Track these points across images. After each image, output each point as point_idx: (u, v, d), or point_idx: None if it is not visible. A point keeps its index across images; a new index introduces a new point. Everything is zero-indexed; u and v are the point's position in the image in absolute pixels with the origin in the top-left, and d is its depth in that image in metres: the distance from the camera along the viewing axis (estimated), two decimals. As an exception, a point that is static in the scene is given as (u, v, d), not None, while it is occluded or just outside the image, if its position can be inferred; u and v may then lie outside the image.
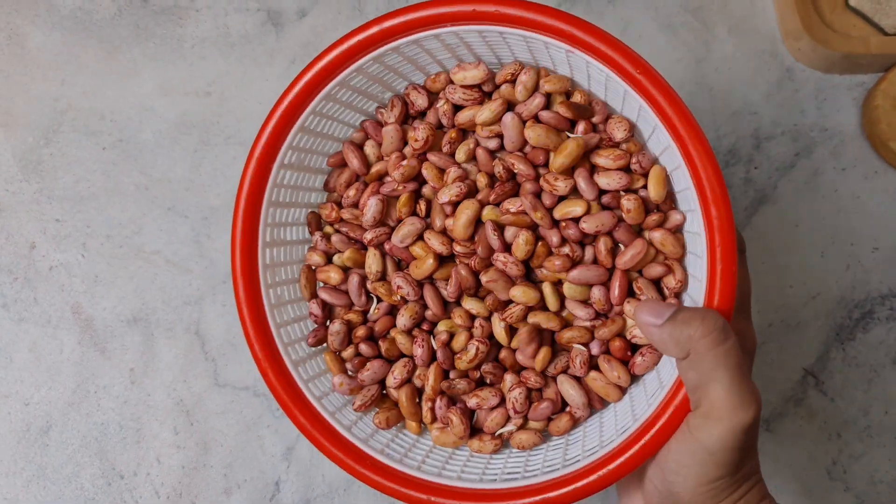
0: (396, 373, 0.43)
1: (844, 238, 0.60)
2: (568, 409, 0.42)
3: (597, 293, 0.41)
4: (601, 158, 0.41)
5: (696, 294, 0.37)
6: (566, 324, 0.42)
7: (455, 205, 0.43)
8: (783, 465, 0.55)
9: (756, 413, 0.32)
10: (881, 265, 0.59)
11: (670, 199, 0.41)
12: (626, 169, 0.41)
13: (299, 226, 0.46)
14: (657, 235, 0.40)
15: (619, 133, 0.41)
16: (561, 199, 0.41)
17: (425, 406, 0.43)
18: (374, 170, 0.45)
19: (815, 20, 0.62)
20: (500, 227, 0.42)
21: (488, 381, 0.43)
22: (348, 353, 0.44)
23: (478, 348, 0.42)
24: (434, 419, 0.43)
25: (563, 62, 0.41)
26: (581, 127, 0.42)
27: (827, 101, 0.64)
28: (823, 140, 0.62)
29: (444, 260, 0.43)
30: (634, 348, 0.41)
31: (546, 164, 0.42)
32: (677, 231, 0.41)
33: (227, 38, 0.63)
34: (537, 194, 0.41)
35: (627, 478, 0.38)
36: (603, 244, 0.41)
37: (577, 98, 0.43)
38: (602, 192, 0.41)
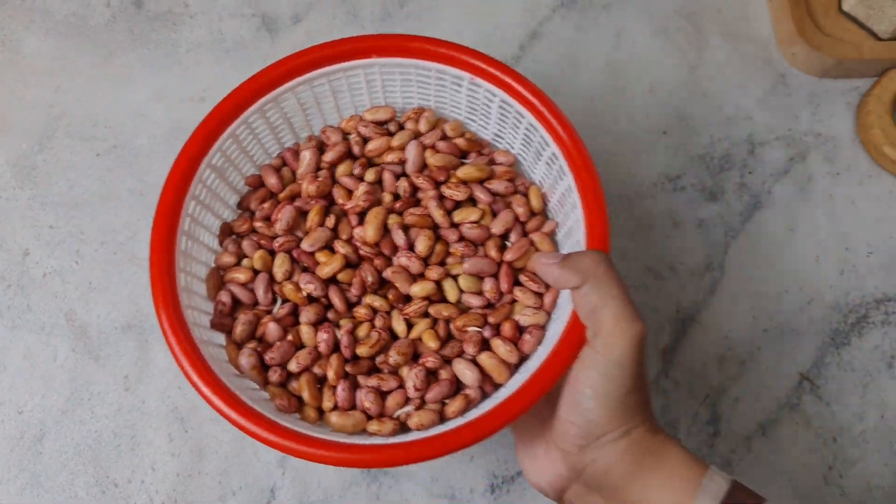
0: (301, 358, 0.45)
1: (839, 243, 0.60)
2: (463, 390, 0.45)
3: (488, 284, 0.47)
4: (493, 177, 0.50)
5: None
6: (463, 313, 0.47)
7: (362, 216, 0.48)
8: (779, 470, 0.55)
9: (644, 328, 0.37)
10: (876, 270, 0.59)
11: (545, 214, 0.50)
12: (511, 181, 0.50)
13: (212, 234, 0.48)
14: (536, 237, 0.48)
15: (502, 158, 0.51)
16: (458, 205, 0.49)
17: (327, 392, 0.45)
18: (288, 189, 0.49)
19: (809, 25, 0.62)
20: (404, 229, 0.47)
21: (387, 370, 0.46)
22: (251, 345, 0.45)
23: (380, 334, 0.45)
24: (335, 405, 0.44)
25: (458, 104, 0.51)
26: (472, 155, 0.51)
27: (821, 106, 0.64)
28: (817, 145, 0.63)
29: (348, 267, 0.47)
30: (521, 330, 0.46)
31: (445, 182, 0.49)
32: (552, 235, 0.49)
33: (221, 43, 0.63)
34: (439, 198, 0.48)
35: (530, 447, 0.42)
36: (493, 242, 0.48)
37: (468, 136, 0.51)
38: (494, 196, 0.49)
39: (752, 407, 0.56)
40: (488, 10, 0.65)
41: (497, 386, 0.45)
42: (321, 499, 0.53)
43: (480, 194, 0.48)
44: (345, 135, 0.52)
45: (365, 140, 0.51)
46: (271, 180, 0.49)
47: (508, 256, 0.47)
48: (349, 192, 0.49)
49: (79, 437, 0.53)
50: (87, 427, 0.54)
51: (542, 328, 0.46)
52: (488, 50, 0.63)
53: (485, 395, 0.45)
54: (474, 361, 0.45)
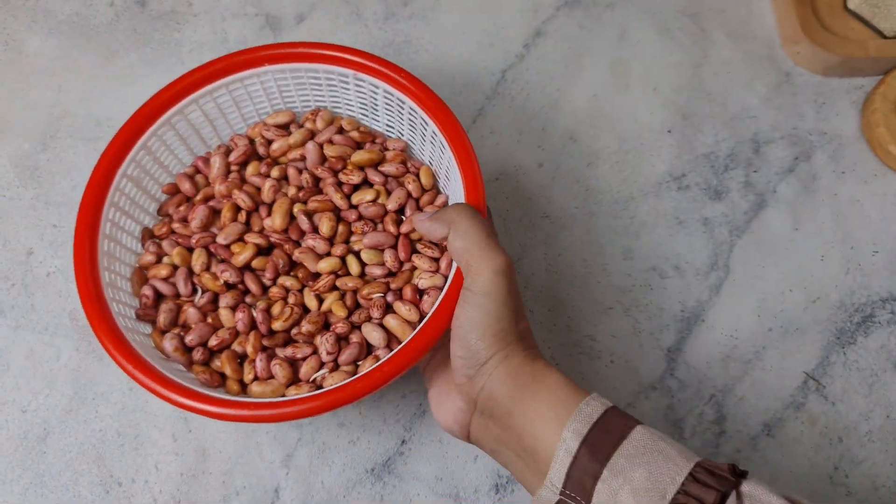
0: (220, 333, 0.49)
1: (844, 241, 0.60)
2: (373, 351, 0.50)
3: (388, 255, 0.52)
4: (384, 161, 0.55)
5: None
6: (367, 283, 0.51)
7: (271, 209, 0.53)
8: (784, 470, 0.55)
9: (508, 259, 0.41)
10: (881, 269, 0.59)
11: (436, 189, 0.55)
12: (403, 163, 0.54)
13: (134, 239, 0.52)
14: (429, 209, 0.53)
15: (393, 144, 0.56)
16: (355, 189, 0.54)
17: (248, 367, 0.48)
18: (202, 192, 0.54)
19: (814, 24, 0.62)
20: (309, 215, 0.52)
21: (302, 341, 0.50)
22: (174, 330, 0.49)
23: (293, 309, 0.50)
24: (255, 377, 0.48)
25: (350, 101, 0.56)
26: (367, 145, 0.56)
27: (826, 105, 0.64)
28: (822, 144, 0.62)
29: (261, 254, 0.52)
30: (421, 294, 0.51)
31: (343, 170, 0.54)
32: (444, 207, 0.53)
33: (224, 43, 0.62)
34: (338, 185, 0.53)
35: (438, 396, 0.45)
36: (389, 217, 0.53)
37: (362, 129, 0.56)
38: (386, 177, 0.54)
39: (758, 407, 0.56)
40: (492, 8, 0.64)
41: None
42: (325, 499, 0.53)
43: (374, 176, 0.54)
44: (251, 140, 0.56)
45: (269, 142, 0.56)
46: (185, 185, 0.54)
47: (404, 228, 0.52)
48: (258, 190, 0.54)
49: (83, 437, 0.53)
50: (90, 427, 0.53)
51: (440, 289, 0.51)
52: (492, 49, 0.63)
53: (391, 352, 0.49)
54: (381, 325, 0.50)
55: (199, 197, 0.53)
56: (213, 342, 0.48)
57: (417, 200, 0.54)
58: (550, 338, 0.57)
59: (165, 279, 0.51)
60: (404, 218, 0.53)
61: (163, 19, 0.62)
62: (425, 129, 0.52)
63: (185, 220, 0.53)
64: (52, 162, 0.58)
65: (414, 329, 0.49)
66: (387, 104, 0.54)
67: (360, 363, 0.49)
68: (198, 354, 0.48)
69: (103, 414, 0.54)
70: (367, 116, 0.57)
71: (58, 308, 0.55)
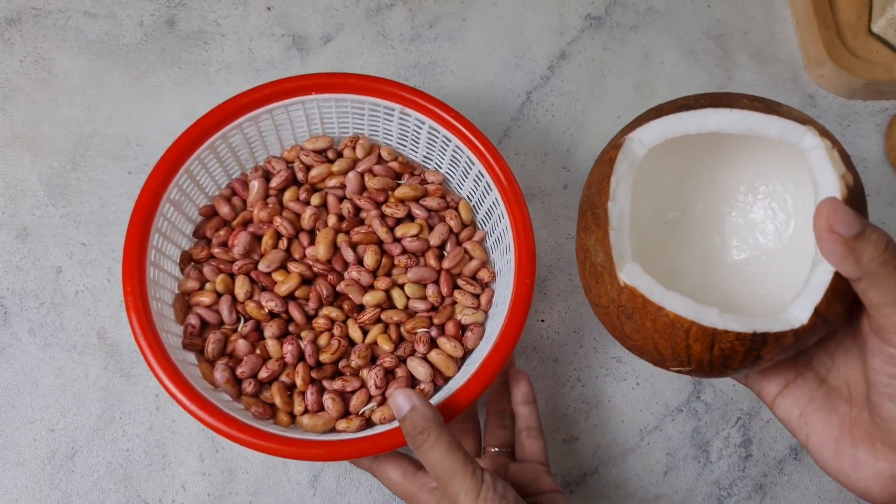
0: (269, 365, 0.49)
1: (869, 265, 0.60)
2: (418, 385, 0.51)
3: (431, 289, 0.53)
4: (426, 195, 0.56)
5: (507, 277, 0.50)
6: (410, 317, 0.52)
7: (312, 236, 0.54)
8: (812, 495, 0.55)
9: None
10: (907, 292, 0.59)
11: (474, 224, 0.57)
12: (443, 197, 0.56)
13: (173, 262, 0.52)
14: (468, 245, 0.55)
15: (432, 178, 0.56)
16: (399, 222, 0.55)
17: (297, 398, 0.49)
18: (240, 216, 0.54)
19: (839, 46, 0.62)
20: (353, 246, 0.53)
21: (349, 373, 0.51)
22: (223, 360, 0.49)
23: (339, 342, 0.50)
24: (306, 409, 0.49)
25: (390, 132, 0.56)
26: (406, 176, 0.57)
27: (850, 128, 0.64)
28: (847, 166, 0.62)
29: (304, 283, 0.52)
30: (464, 329, 0.52)
31: (385, 202, 0.55)
32: (482, 242, 0.56)
33: (252, 63, 0.63)
34: (381, 217, 0.54)
35: (846, 453, 0.36)
36: (432, 252, 0.54)
37: (401, 160, 0.57)
38: (429, 211, 0.55)
39: (784, 430, 0.56)
40: (517, 30, 0.65)
41: (447, 378, 0.51)
42: (352, 520, 0.53)
43: (417, 211, 0.55)
44: (288, 163, 0.56)
45: (307, 168, 0.56)
46: (224, 209, 0.54)
47: (446, 264, 0.54)
48: (297, 216, 0.54)
49: (110, 456, 0.53)
50: (118, 446, 0.54)
51: (482, 325, 0.53)
52: (518, 70, 0.64)
53: (437, 388, 0.51)
54: (425, 358, 0.51)
55: (237, 221, 0.54)
56: (263, 374, 0.49)
57: (458, 235, 0.55)
58: (577, 359, 0.57)
59: (209, 307, 0.51)
60: (445, 253, 0.55)
61: (191, 39, 0.63)
62: (469, 168, 0.54)
63: (224, 245, 0.53)
64: (81, 181, 0.59)
65: (458, 364, 0.51)
66: (430, 139, 0.55)
67: None
68: (249, 386, 0.49)
69: (131, 433, 0.54)
70: (405, 147, 0.57)
71: (86, 327, 0.56)
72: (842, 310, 0.33)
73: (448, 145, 0.54)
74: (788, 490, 0.55)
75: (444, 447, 0.41)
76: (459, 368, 0.51)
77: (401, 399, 0.43)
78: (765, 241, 0.43)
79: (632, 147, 0.37)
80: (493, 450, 0.50)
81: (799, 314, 0.33)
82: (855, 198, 0.33)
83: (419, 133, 0.55)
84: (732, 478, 0.55)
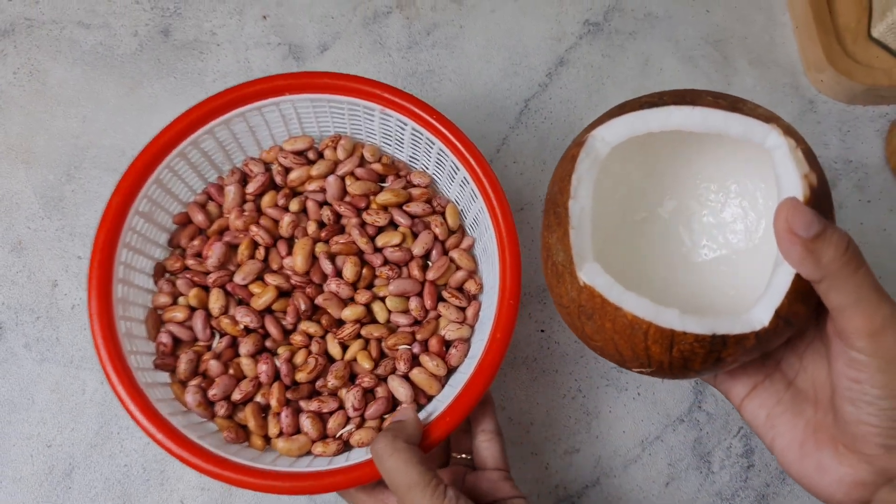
0: (243, 386, 0.47)
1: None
2: (399, 406, 0.49)
3: (414, 303, 0.51)
4: (411, 200, 0.53)
5: (494, 292, 0.47)
6: (392, 332, 0.50)
7: (290, 245, 0.51)
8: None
9: None
10: (909, 299, 0.59)
11: (462, 229, 0.54)
12: (428, 202, 0.53)
13: (146, 275, 0.50)
14: (455, 254, 0.52)
15: (418, 180, 0.53)
16: (380, 230, 0.52)
17: (272, 420, 0.47)
18: (216, 224, 0.52)
19: (838, 52, 0.62)
20: (331, 257, 0.51)
21: (327, 393, 0.49)
22: (195, 381, 0.47)
23: (317, 360, 0.48)
24: (281, 431, 0.47)
25: (373, 130, 0.53)
26: (390, 178, 0.54)
27: (850, 133, 0.63)
28: (847, 172, 0.62)
29: (281, 295, 0.50)
30: (448, 345, 0.50)
31: (366, 208, 0.52)
32: (470, 251, 0.53)
33: (248, 72, 0.62)
34: (362, 225, 0.52)
35: (810, 457, 0.35)
36: (415, 263, 0.51)
37: (384, 160, 0.54)
38: (413, 218, 0.52)
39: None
40: (515, 37, 0.64)
41: (430, 398, 0.49)
42: (353, 535, 0.52)
43: (400, 218, 0.52)
44: (266, 165, 0.54)
45: (286, 170, 0.53)
46: (198, 217, 0.52)
47: (430, 275, 0.51)
48: (275, 223, 0.52)
49: (108, 472, 0.53)
50: (116, 461, 0.53)
51: (467, 341, 0.50)
52: (516, 77, 0.63)
53: (420, 407, 0.49)
54: (406, 377, 0.49)
55: (213, 228, 0.52)
56: (236, 395, 0.47)
57: (444, 243, 0.53)
58: (577, 370, 0.57)
59: (182, 323, 0.49)
60: (430, 263, 0.52)
61: (186, 49, 0.62)
62: (455, 173, 0.51)
63: (199, 256, 0.51)
64: (76, 193, 0.58)
65: (441, 382, 0.49)
66: (414, 140, 0.52)
67: (386, 417, 0.48)
68: (221, 409, 0.47)
69: (128, 448, 0.53)
70: (389, 145, 0.55)
71: (83, 340, 0.55)
72: (805, 311, 0.33)
73: (432, 147, 0.51)
74: (791, 500, 0.55)
75: (404, 457, 0.39)
76: (442, 388, 0.49)
77: (400, 413, 0.44)
78: (735, 241, 0.42)
79: (594, 145, 0.36)
80: (458, 456, 0.49)
81: (760, 316, 0.32)
82: (819, 198, 0.32)
83: (403, 133, 0.52)
84: (734, 488, 0.55)
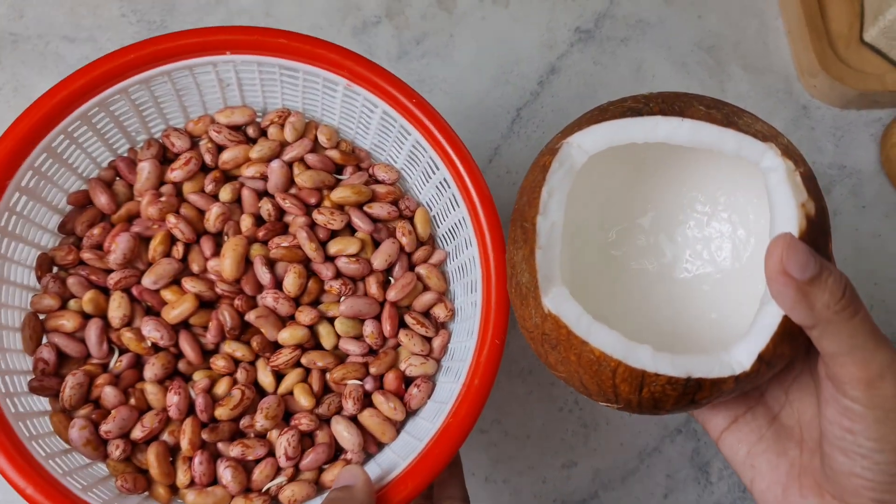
0: (146, 421, 0.38)
1: (866, 278, 0.59)
2: (342, 454, 0.40)
3: (369, 327, 0.41)
4: (374, 199, 0.44)
5: (470, 323, 0.40)
6: (340, 362, 0.41)
7: (218, 244, 0.41)
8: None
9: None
10: (906, 306, 0.58)
11: (433, 240, 0.45)
12: (394, 203, 0.44)
13: (26, 268, 0.40)
14: (423, 270, 0.43)
15: (383, 175, 0.44)
16: (334, 234, 0.42)
17: (181, 466, 0.38)
18: (123, 209, 0.41)
19: (831, 57, 0.62)
20: (270, 264, 0.41)
21: (253, 435, 0.40)
22: (84, 412, 0.38)
23: (243, 393, 0.39)
24: (192, 481, 0.38)
25: (332, 109, 0.44)
26: (349, 170, 0.44)
27: (844, 138, 0.63)
28: (842, 178, 0.62)
29: (203, 306, 0.40)
30: (408, 382, 0.42)
31: (318, 206, 0.43)
32: (441, 267, 0.44)
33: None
34: (311, 226, 0.42)
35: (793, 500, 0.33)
36: (374, 278, 0.42)
37: (343, 147, 0.45)
38: (375, 222, 0.43)
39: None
40: (506, 46, 0.64)
41: (381, 446, 0.41)
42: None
43: (359, 221, 0.42)
44: (193, 140, 0.44)
45: (219, 148, 0.43)
46: (101, 199, 0.41)
47: (392, 295, 0.42)
48: (200, 214, 0.42)
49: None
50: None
51: (431, 379, 0.42)
52: (507, 86, 0.63)
53: (368, 456, 0.41)
54: (355, 420, 0.40)
55: (119, 214, 0.41)
56: (137, 433, 0.38)
57: (410, 256, 0.44)
58: (573, 382, 0.57)
59: (71, 334, 0.39)
60: (392, 280, 0.43)
61: (173, 61, 0.62)
62: (432, 172, 0.43)
63: (99, 248, 0.41)
64: (64, 210, 0.58)
65: (396, 428, 0.41)
66: (383, 126, 0.44)
67: (325, 467, 0.40)
68: (116, 450, 0.37)
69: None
70: (350, 129, 0.46)
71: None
72: (791, 353, 0.30)
73: (406, 139, 0.42)
74: None
75: None
76: (398, 434, 0.41)
77: (347, 476, 0.37)
78: (721, 259, 0.38)
79: (570, 153, 0.32)
80: None
81: (741, 359, 0.29)
82: (815, 230, 0.29)
83: (370, 117, 0.43)
84: (733, 498, 0.55)
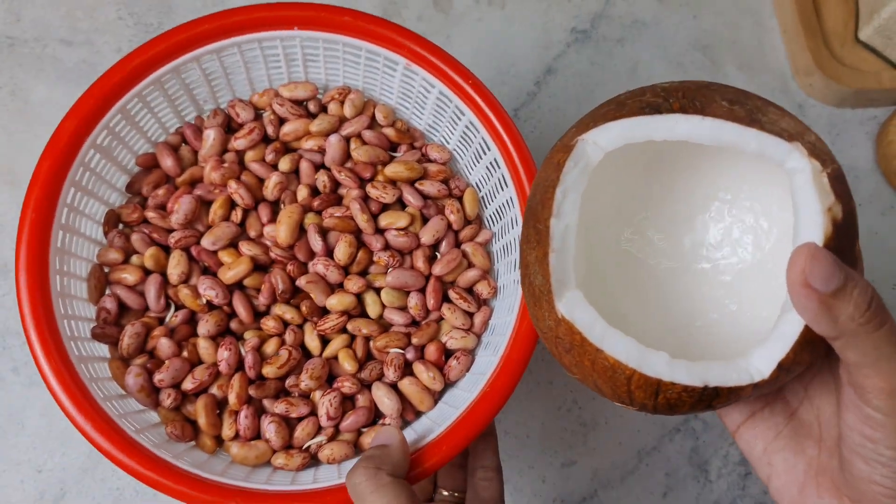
0: (197, 374, 0.40)
1: (865, 275, 0.59)
2: (381, 420, 0.42)
3: (414, 299, 0.43)
4: (425, 177, 0.45)
5: (511, 300, 0.41)
6: (384, 331, 0.43)
7: (275, 211, 0.44)
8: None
9: None
10: (902, 303, 0.59)
11: (480, 221, 0.47)
12: (445, 182, 0.45)
13: (95, 223, 0.42)
14: (469, 248, 0.44)
15: (436, 154, 0.46)
16: (385, 208, 0.44)
17: (228, 419, 0.40)
18: (187, 173, 0.44)
19: (826, 56, 0.62)
20: (322, 232, 0.43)
21: (297, 394, 0.41)
22: (140, 361, 0.40)
23: (290, 353, 0.41)
24: (237, 434, 0.40)
25: (390, 89, 0.46)
26: (403, 148, 0.46)
27: (840, 136, 0.63)
28: (838, 176, 0.62)
29: (257, 269, 0.43)
30: (448, 355, 0.43)
31: (371, 180, 0.44)
32: (486, 246, 0.46)
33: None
34: (364, 199, 0.44)
35: (802, 482, 0.32)
36: (421, 252, 0.43)
37: (399, 126, 0.47)
38: (425, 199, 0.44)
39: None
40: (503, 47, 0.64)
41: (418, 414, 0.42)
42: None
43: (410, 197, 0.44)
44: (257, 112, 0.46)
45: (281, 121, 0.45)
46: (167, 162, 0.43)
47: (437, 269, 0.43)
48: (260, 182, 0.44)
49: (100, 496, 0.52)
50: (108, 485, 0.52)
51: (470, 353, 0.43)
52: (504, 87, 0.63)
53: (405, 423, 0.42)
54: (395, 387, 0.42)
55: (183, 178, 0.44)
56: (188, 384, 0.40)
57: (457, 234, 0.45)
58: (572, 381, 0.57)
59: (132, 287, 0.41)
60: (438, 255, 0.44)
61: (171, 64, 0.62)
62: (483, 153, 0.44)
63: (162, 208, 0.43)
64: (62, 213, 0.58)
65: (434, 398, 0.42)
66: (438, 106, 0.45)
67: (364, 431, 0.42)
68: (168, 399, 0.40)
69: (120, 472, 0.53)
70: (406, 109, 0.47)
71: (72, 363, 0.54)
72: (811, 359, 0.29)
73: (460, 119, 0.44)
74: None
75: (390, 495, 0.34)
76: (436, 404, 0.42)
77: (384, 436, 0.38)
78: (742, 250, 0.37)
79: (585, 151, 0.31)
80: (445, 493, 0.43)
81: (760, 366, 0.29)
82: (841, 235, 0.28)
83: (426, 97, 0.45)
84: (732, 496, 0.55)
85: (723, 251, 0.38)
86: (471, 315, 0.44)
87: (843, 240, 0.28)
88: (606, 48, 0.65)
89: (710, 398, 0.29)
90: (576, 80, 0.64)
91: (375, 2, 0.63)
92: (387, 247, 0.44)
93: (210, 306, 0.42)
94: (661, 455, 0.55)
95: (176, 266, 0.42)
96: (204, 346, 0.41)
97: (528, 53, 0.64)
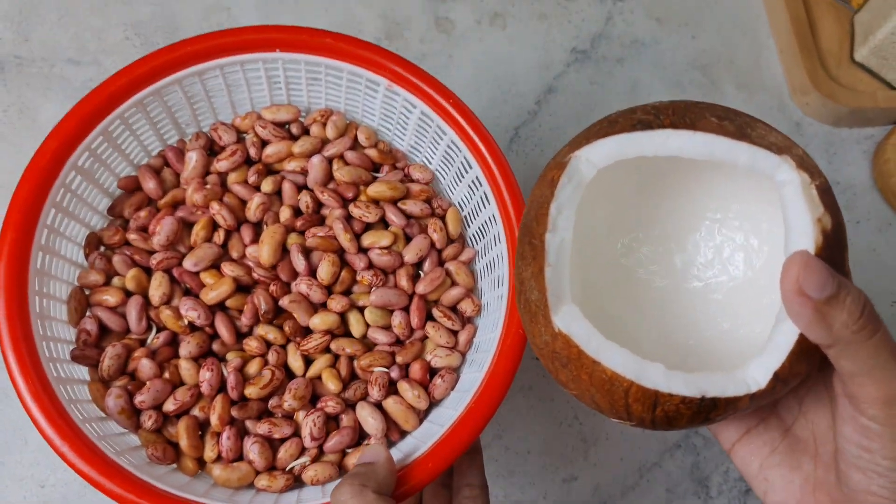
0: (179, 395, 0.40)
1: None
2: (366, 440, 0.42)
3: (398, 318, 0.43)
4: (408, 196, 0.46)
5: (495, 317, 0.41)
6: (368, 350, 0.43)
7: (257, 231, 0.44)
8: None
9: None
10: (901, 320, 0.59)
11: (463, 239, 0.47)
12: (427, 201, 0.46)
13: (76, 245, 0.43)
14: (452, 266, 0.45)
15: (418, 174, 0.46)
16: (368, 227, 0.45)
17: (210, 440, 0.40)
18: (169, 195, 0.44)
19: (822, 75, 0.63)
20: (306, 252, 0.43)
21: (281, 415, 0.41)
22: (120, 382, 0.40)
23: (273, 373, 0.41)
24: (219, 456, 0.40)
25: (372, 110, 0.46)
26: (385, 169, 0.47)
27: (837, 155, 0.64)
28: (836, 194, 0.62)
29: (239, 290, 0.43)
30: (433, 373, 0.43)
31: (354, 199, 0.45)
32: (469, 264, 0.46)
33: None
34: (347, 218, 0.44)
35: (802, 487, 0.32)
36: (405, 271, 0.44)
37: (381, 147, 0.47)
38: (408, 218, 0.45)
39: (784, 463, 0.55)
40: (504, 67, 0.65)
41: (403, 434, 0.42)
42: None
43: (393, 216, 0.44)
44: (239, 134, 0.47)
45: (263, 143, 0.46)
46: (150, 184, 0.44)
47: (421, 288, 0.44)
48: (242, 203, 0.44)
49: (103, 512, 0.52)
50: (110, 501, 0.52)
51: (455, 371, 0.43)
52: (505, 106, 0.64)
53: (390, 443, 0.42)
54: (379, 406, 0.42)
55: (165, 200, 0.44)
56: (169, 406, 0.40)
57: (440, 252, 0.46)
58: (573, 397, 0.57)
59: (113, 309, 0.41)
60: (422, 273, 0.45)
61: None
62: (465, 171, 0.44)
63: (144, 230, 0.43)
64: (68, 230, 0.58)
65: (419, 417, 0.42)
66: (420, 126, 0.46)
67: (349, 451, 0.42)
68: (149, 420, 0.39)
69: (124, 487, 0.53)
70: (388, 130, 0.48)
71: (76, 379, 0.55)
72: (807, 370, 0.30)
73: (442, 139, 0.44)
74: None
75: None
76: (421, 423, 0.42)
77: (370, 454, 0.38)
78: (733, 268, 0.38)
79: (578, 167, 0.31)
80: None
81: (757, 377, 0.29)
82: (832, 245, 0.29)
83: (408, 118, 0.45)
84: (733, 513, 0.55)
85: (713, 270, 0.38)
86: (455, 333, 0.44)
87: (833, 250, 0.29)
88: (606, 68, 0.66)
89: (708, 409, 0.29)
90: (576, 100, 0.65)
91: (378, 24, 0.64)
92: (370, 266, 0.44)
93: (192, 327, 0.42)
94: (662, 471, 0.56)
95: (158, 287, 0.42)
96: (186, 368, 0.41)
97: (528, 73, 0.65)
